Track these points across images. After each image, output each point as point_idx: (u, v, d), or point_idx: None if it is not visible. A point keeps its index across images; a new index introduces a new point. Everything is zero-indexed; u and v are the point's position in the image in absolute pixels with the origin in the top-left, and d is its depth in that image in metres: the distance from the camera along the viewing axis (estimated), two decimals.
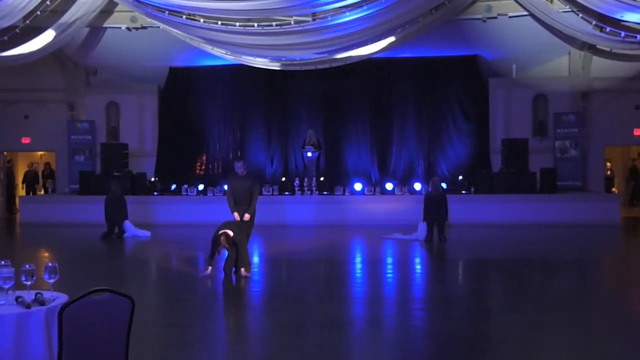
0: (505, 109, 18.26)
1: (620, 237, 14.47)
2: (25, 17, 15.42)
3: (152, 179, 17.89)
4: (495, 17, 15.74)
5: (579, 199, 16.01)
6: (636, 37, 14.29)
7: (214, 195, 16.37)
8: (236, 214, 9.76)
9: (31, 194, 21.02)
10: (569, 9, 15.07)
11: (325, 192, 16.56)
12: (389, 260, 11.49)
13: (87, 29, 16.68)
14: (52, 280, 4.11)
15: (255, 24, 15.19)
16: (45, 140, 19.45)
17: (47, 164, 21.83)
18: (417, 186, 16.56)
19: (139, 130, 19.18)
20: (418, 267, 10.98)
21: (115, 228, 14.00)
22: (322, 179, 16.90)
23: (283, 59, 16.48)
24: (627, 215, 17.11)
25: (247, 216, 9.77)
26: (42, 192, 21.51)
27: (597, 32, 14.98)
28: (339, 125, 18.76)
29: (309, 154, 16.98)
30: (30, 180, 21.34)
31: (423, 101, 18.60)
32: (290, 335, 6.40)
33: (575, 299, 8.16)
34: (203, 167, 19.45)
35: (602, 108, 17.95)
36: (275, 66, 16.84)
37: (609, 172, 20.50)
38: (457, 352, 5.84)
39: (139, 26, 16.49)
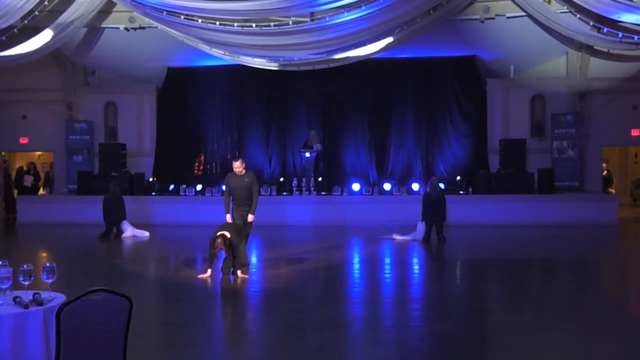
0: (503, 109, 18.28)
1: (618, 237, 14.50)
2: (23, 17, 15.39)
3: (151, 179, 17.88)
4: (493, 18, 15.75)
5: (576, 199, 16.04)
6: (634, 37, 14.30)
7: (212, 195, 16.38)
8: (228, 217, 9.68)
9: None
10: (567, 10, 15.08)
11: (323, 193, 16.57)
12: (387, 260, 11.50)
13: (85, 29, 16.67)
14: (50, 281, 4.11)
15: (254, 24, 15.18)
16: (44, 140, 19.43)
17: (31, 164, 21.24)
18: (415, 186, 16.57)
19: (137, 131, 19.17)
20: (416, 267, 10.99)
21: (114, 228, 13.99)
22: (320, 179, 16.90)
23: (281, 59, 16.48)
24: (624, 216, 17.12)
25: (251, 217, 9.66)
26: (42, 192, 21.40)
27: (595, 33, 14.99)
28: (337, 125, 18.77)
29: (307, 154, 16.99)
30: (19, 180, 21.11)
31: (421, 101, 18.61)
32: (288, 336, 6.40)
33: (574, 299, 8.17)
34: (201, 168, 19.44)
35: (600, 108, 17.98)
36: (273, 66, 16.84)
37: (605, 172, 20.51)
38: (456, 353, 5.85)
39: (137, 26, 16.47)
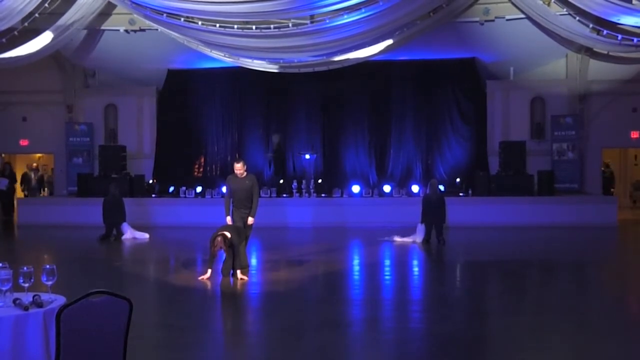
0: (503, 111, 18.29)
1: (617, 239, 14.50)
2: (23, 19, 15.43)
3: (150, 181, 17.88)
4: (493, 20, 15.79)
5: (576, 201, 16.05)
6: (633, 39, 14.33)
7: (212, 197, 16.38)
8: (228, 219, 9.69)
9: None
10: (566, 12, 15.12)
11: (323, 195, 16.57)
12: (387, 262, 11.50)
13: (85, 31, 16.68)
14: (50, 283, 4.11)
15: (254, 27, 15.21)
16: (44, 142, 19.45)
17: (6, 164, 20.39)
18: (415, 188, 16.56)
19: (137, 133, 19.18)
20: (416, 269, 10.99)
21: (113, 230, 13.99)
22: (320, 181, 16.91)
23: (281, 61, 16.51)
24: (623, 218, 17.12)
25: (250, 220, 9.69)
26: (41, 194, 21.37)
27: (594, 35, 15.02)
28: (336, 127, 18.78)
29: (307, 156, 17.03)
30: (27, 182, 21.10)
31: (421, 103, 18.61)
32: (288, 337, 6.41)
33: (574, 300, 8.17)
34: (201, 169, 19.45)
35: (600, 110, 17.99)
36: (273, 68, 16.87)
37: (609, 167, 20.46)
38: (456, 354, 5.85)
39: (137, 28, 16.51)
